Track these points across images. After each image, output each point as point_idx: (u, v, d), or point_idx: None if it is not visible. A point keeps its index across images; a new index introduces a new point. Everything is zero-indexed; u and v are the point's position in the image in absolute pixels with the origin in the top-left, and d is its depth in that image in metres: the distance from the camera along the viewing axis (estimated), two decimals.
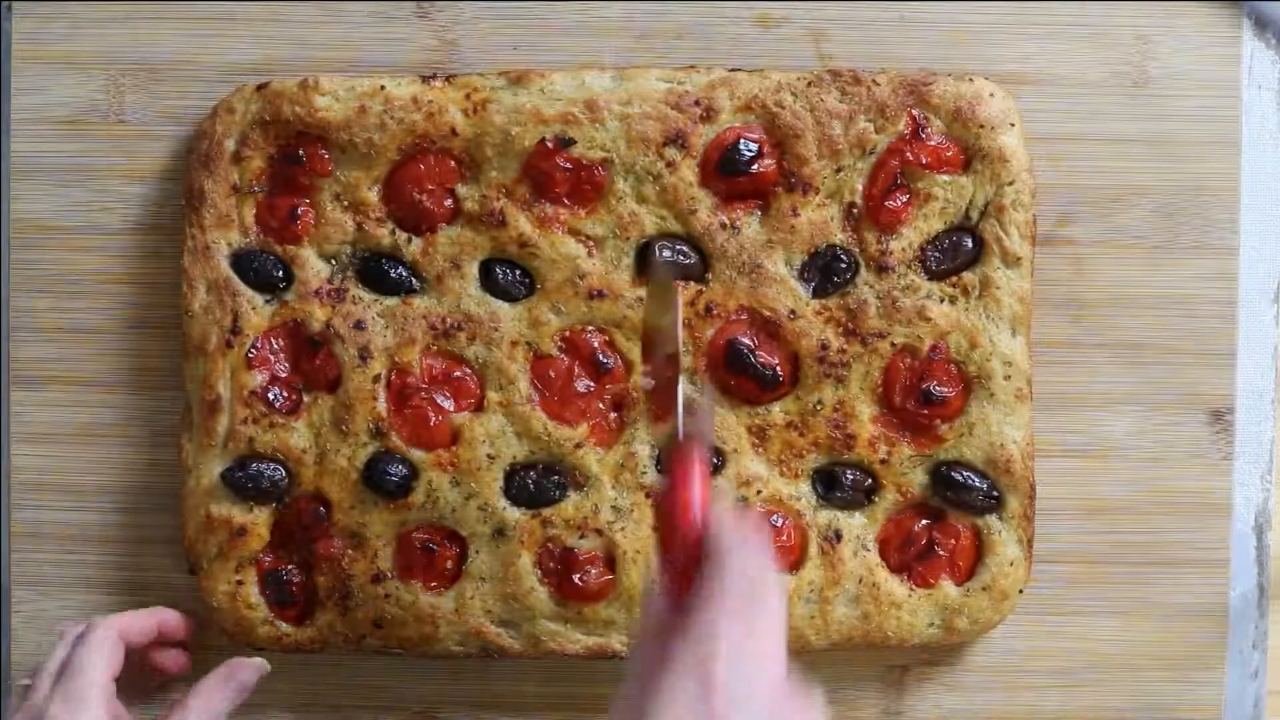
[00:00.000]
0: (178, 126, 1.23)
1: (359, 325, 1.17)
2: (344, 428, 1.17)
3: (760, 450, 1.18)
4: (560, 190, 1.17)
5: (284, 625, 1.19)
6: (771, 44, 1.22)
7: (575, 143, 1.16)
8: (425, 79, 1.18)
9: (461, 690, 1.24)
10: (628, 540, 1.17)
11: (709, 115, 1.17)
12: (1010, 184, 1.16)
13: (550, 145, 1.16)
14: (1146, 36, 1.22)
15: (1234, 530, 1.23)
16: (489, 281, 1.18)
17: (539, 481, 1.17)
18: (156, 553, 1.24)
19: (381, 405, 1.17)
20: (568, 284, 1.17)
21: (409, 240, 1.18)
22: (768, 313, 1.17)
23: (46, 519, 1.24)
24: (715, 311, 1.17)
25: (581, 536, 1.17)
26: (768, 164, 1.17)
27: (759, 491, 1.17)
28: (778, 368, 1.17)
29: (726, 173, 1.16)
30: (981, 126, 1.16)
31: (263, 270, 1.18)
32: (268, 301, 1.19)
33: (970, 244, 1.17)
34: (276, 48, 1.22)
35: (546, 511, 1.17)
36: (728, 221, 1.17)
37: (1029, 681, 1.23)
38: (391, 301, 1.18)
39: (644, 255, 1.17)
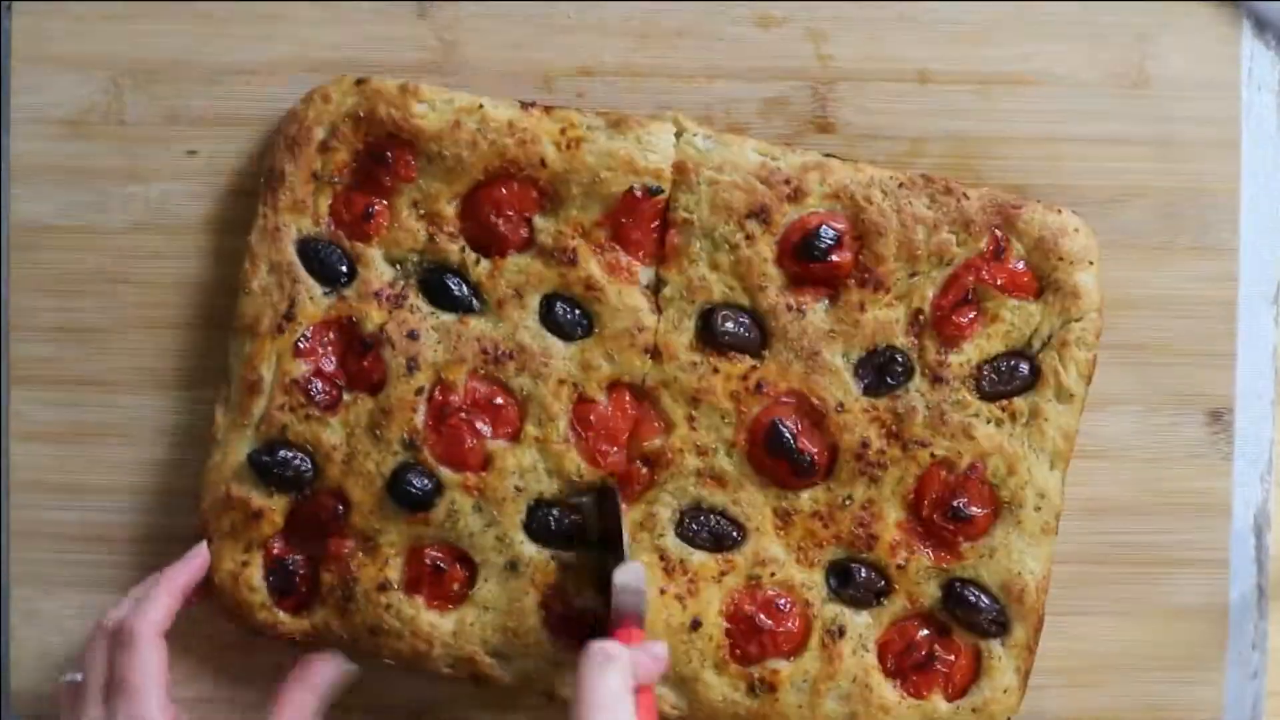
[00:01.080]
0: (178, 127, 1.23)
1: (412, 335, 1.17)
2: (378, 433, 1.17)
3: (782, 533, 1.18)
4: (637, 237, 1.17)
5: (281, 613, 1.19)
6: (771, 44, 1.22)
7: (664, 192, 1.16)
8: (524, 105, 1.18)
9: (457, 691, 1.24)
10: None
11: (796, 196, 1.17)
12: (1078, 320, 1.17)
13: (639, 194, 1.16)
14: (1146, 36, 1.22)
15: (1233, 530, 1.23)
16: (549, 316, 1.18)
17: (560, 520, 1.17)
18: (157, 552, 1.23)
19: (420, 418, 1.17)
20: (625, 334, 1.17)
21: (477, 261, 1.18)
22: (816, 401, 1.17)
23: (46, 519, 1.24)
24: (765, 390, 1.17)
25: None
26: (845, 255, 1.17)
27: (773, 574, 1.17)
28: (815, 456, 1.17)
29: (803, 257, 1.16)
30: (1061, 259, 1.16)
31: (328, 261, 1.18)
32: (326, 294, 1.18)
33: (1027, 371, 1.17)
34: (277, 48, 1.22)
35: (564, 556, 1.17)
36: (795, 304, 1.17)
37: (1029, 681, 1.23)
38: (448, 317, 1.18)
39: (707, 320, 1.17)
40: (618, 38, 1.22)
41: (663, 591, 1.17)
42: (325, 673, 1.16)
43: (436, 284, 1.18)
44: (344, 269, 1.18)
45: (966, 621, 1.18)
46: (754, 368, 1.17)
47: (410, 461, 1.17)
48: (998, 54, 1.22)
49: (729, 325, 1.17)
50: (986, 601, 1.17)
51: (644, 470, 1.17)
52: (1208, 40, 1.22)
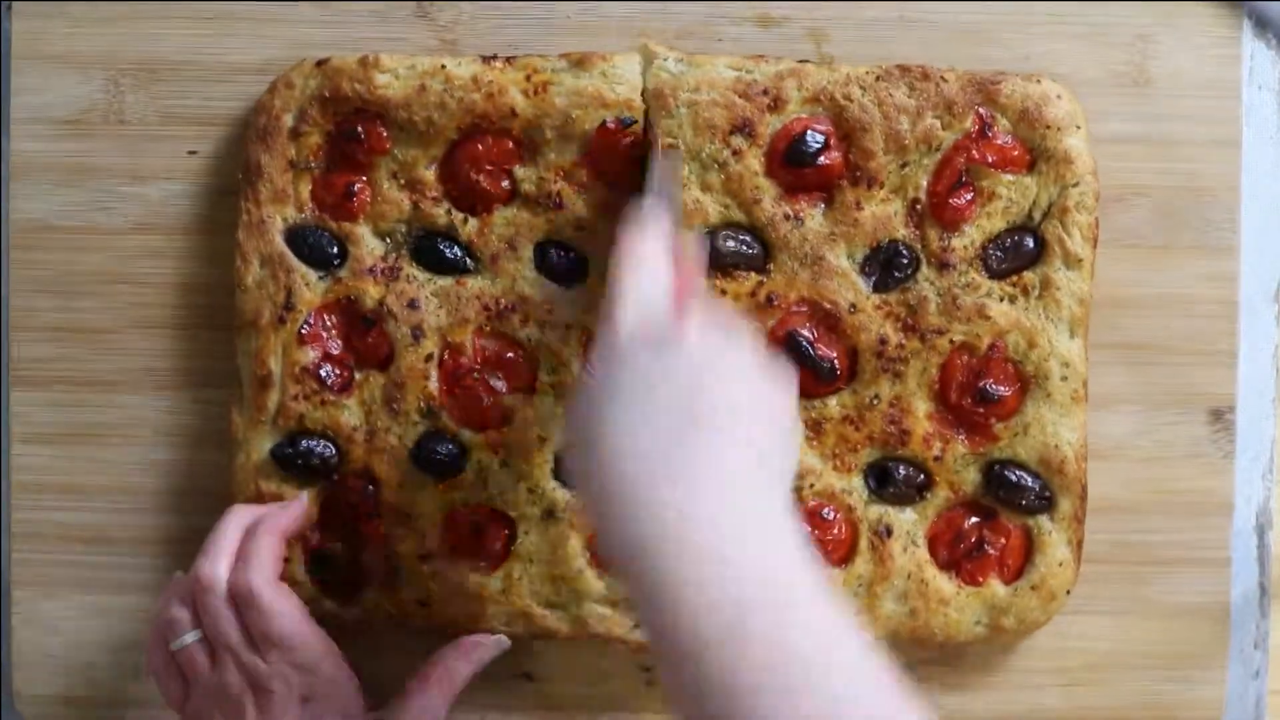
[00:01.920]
0: (178, 126, 1.23)
1: (413, 304, 1.17)
2: (395, 406, 1.17)
3: (815, 443, 1.18)
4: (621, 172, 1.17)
5: (329, 603, 1.19)
6: (771, 44, 1.22)
7: (637, 123, 1.16)
8: (486, 59, 1.18)
9: (461, 690, 1.24)
10: None
11: (776, 105, 1.16)
12: (1075, 185, 1.16)
13: (611, 126, 1.16)
14: (1147, 36, 1.22)
15: (1235, 530, 1.23)
16: (544, 264, 1.18)
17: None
18: (157, 553, 1.23)
19: (433, 385, 1.17)
20: None
21: (465, 220, 1.18)
22: (828, 305, 1.17)
23: (46, 519, 1.24)
24: (776, 303, 1.17)
25: None
26: (834, 156, 1.16)
27: (812, 485, 1.17)
28: (835, 361, 1.17)
29: (792, 163, 1.16)
30: (1048, 127, 1.16)
31: (318, 246, 1.18)
32: (321, 278, 1.18)
33: (1032, 244, 1.17)
34: (276, 48, 1.22)
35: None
36: (791, 213, 1.17)
37: (1029, 681, 1.23)
38: (445, 281, 1.18)
39: (710, 244, 1.17)
40: (618, 38, 1.22)
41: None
42: (487, 649, 1.17)
43: (428, 250, 1.18)
44: (334, 251, 1.18)
45: (1011, 502, 1.18)
46: (761, 283, 1.17)
47: (431, 430, 1.17)
48: (998, 54, 1.21)
49: (730, 244, 1.17)
50: (1028, 479, 1.17)
51: None
52: (1208, 40, 1.22)
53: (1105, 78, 1.22)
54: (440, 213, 1.18)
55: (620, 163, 1.17)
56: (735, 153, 1.16)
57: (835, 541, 1.18)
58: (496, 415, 1.18)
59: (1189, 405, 1.22)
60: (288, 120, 1.18)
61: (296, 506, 1.16)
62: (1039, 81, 1.18)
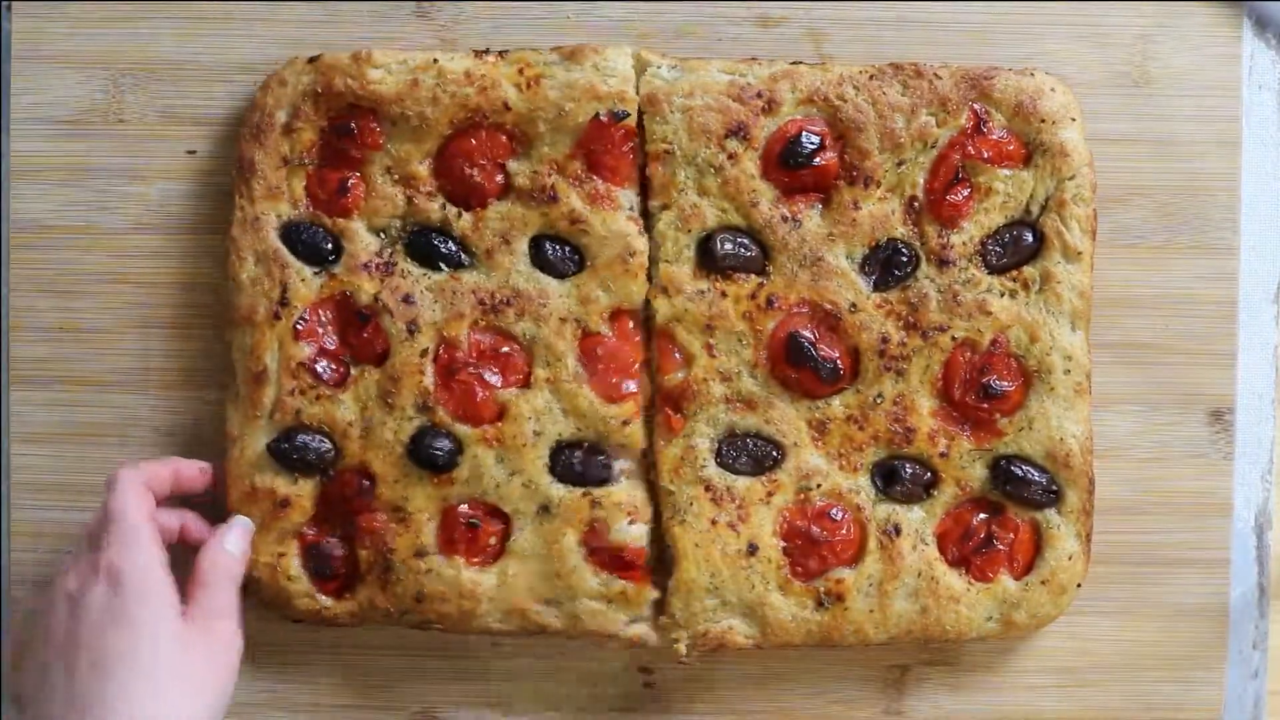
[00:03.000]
0: (177, 126, 1.23)
1: (407, 299, 1.18)
2: (390, 401, 1.17)
3: (819, 444, 1.18)
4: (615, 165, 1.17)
5: (324, 598, 1.19)
6: (771, 44, 1.22)
7: (629, 115, 1.16)
8: (478, 53, 1.18)
9: (461, 690, 1.24)
10: (687, 534, 1.17)
11: (770, 108, 1.17)
12: (1071, 178, 1.16)
13: (604, 119, 1.16)
14: (1147, 36, 1.22)
15: (1234, 530, 1.23)
16: (539, 257, 1.18)
17: (585, 460, 1.17)
18: None
19: (429, 380, 1.17)
20: (617, 261, 1.17)
21: (459, 215, 1.18)
22: (828, 305, 1.17)
23: (46, 519, 1.24)
24: (776, 304, 1.17)
25: (631, 523, 1.17)
26: (829, 157, 1.17)
27: (819, 485, 1.17)
28: (838, 361, 1.17)
29: (788, 166, 1.16)
30: (1043, 121, 1.17)
31: (312, 242, 1.18)
32: (316, 274, 1.19)
33: (1031, 238, 1.17)
34: (276, 48, 1.22)
35: (596, 492, 1.17)
36: (789, 215, 1.17)
37: (1029, 682, 1.23)
38: (440, 276, 1.18)
39: (706, 247, 1.17)
40: (619, 38, 1.22)
41: (714, 522, 1.16)
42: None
43: (423, 245, 1.18)
44: (329, 246, 1.18)
45: (1018, 497, 1.18)
46: (761, 285, 1.17)
47: (427, 424, 1.17)
48: (998, 54, 1.21)
49: (728, 247, 1.17)
50: (1035, 473, 1.17)
51: (676, 416, 1.17)
52: (1208, 40, 1.22)
53: (1105, 78, 1.22)
54: (434, 207, 1.18)
55: (614, 155, 1.17)
56: (731, 156, 1.16)
57: (845, 541, 1.18)
58: (492, 410, 1.18)
59: (1189, 405, 1.23)
60: (281, 117, 1.18)
61: (162, 466, 1.15)
62: (1032, 75, 1.18)
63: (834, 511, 1.18)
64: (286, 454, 1.17)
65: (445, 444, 1.17)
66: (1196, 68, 1.22)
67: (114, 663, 1.03)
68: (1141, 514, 1.23)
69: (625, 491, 1.17)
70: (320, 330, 1.19)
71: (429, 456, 1.17)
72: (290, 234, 1.18)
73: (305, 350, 1.18)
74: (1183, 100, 1.22)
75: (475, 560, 1.18)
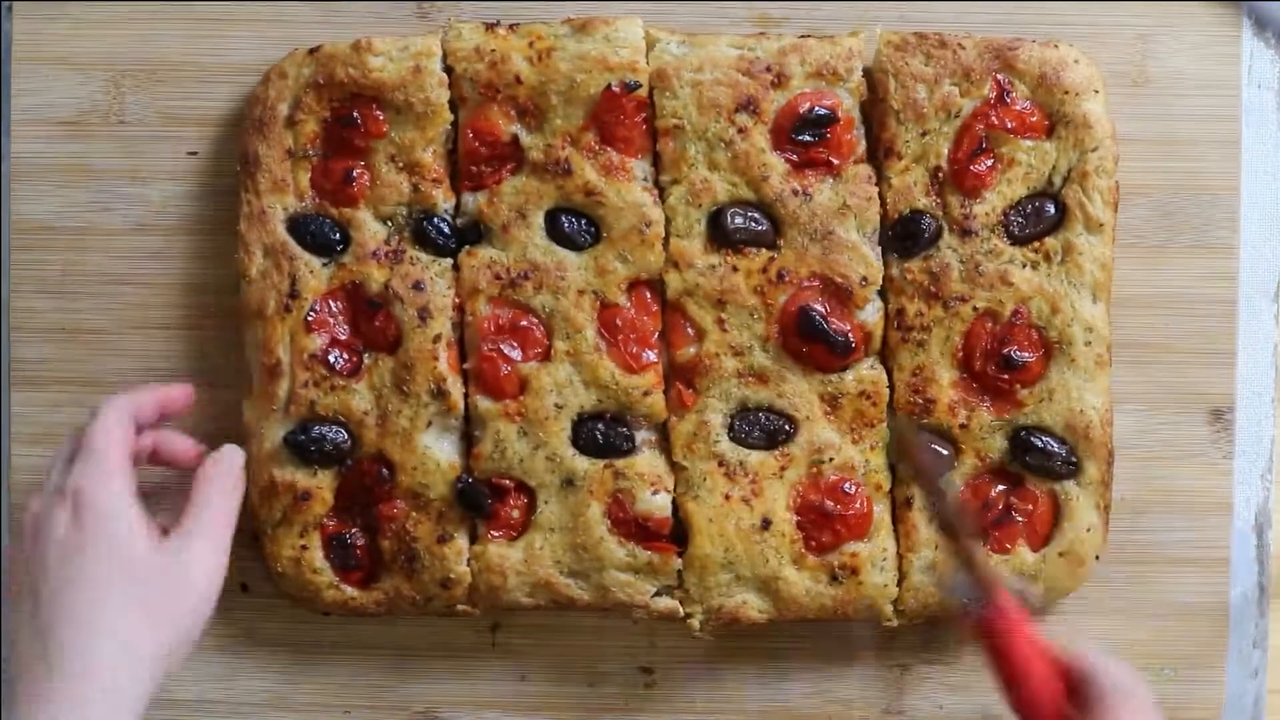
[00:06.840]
0: (178, 126, 1.23)
1: (418, 286, 1.18)
2: (405, 389, 1.17)
3: (832, 418, 1.18)
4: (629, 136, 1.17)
5: (349, 589, 1.19)
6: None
7: (641, 86, 1.16)
8: (489, 26, 1.18)
9: (462, 690, 1.24)
10: (701, 509, 1.17)
11: (780, 81, 1.17)
12: (1094, 150, 1.17)
13: (617, 90, 1.16)
14: (1146, 36, 1.22)
15: (1234, 529, 1.23)
16: (555, 230, 1.18)
17: (607, 432, 1.17)
18: None
19: (443, 365, 1.17)
20: (634, 231, 1.17)
21: (473, 196, 1.18)
22: (839, 280, 1.17)
23: None
24: (787, 278, 1.17)
25: (655, 493, 1.17)
26: (840, 130, 1.17)
27: (831, 459, 1.17)
28: (850, 334, 1.17)
29: (798, 139, 1.17)
30: (1066, 92, 1.17)
31: (320, 233, 1.18)
32: (325, 265, 1.19)
33: (1053, 209, 1.17)
34: (276, 48, 1.22)
35: (619, 463, 1.17)
36: (799, 188, 1.17)
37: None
38: (447, 262, 1.18)
39: (716, 221, 1.17)
40: None
41: (727, 497, 1.17)
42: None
43: (430, 231, 1.18)
44: (336, 237, 1.18)
45: (1038, 468, 1.18)
46: (772, 259, 1.17)
47: (442, 409, 1.17)
48: None
49: (739, 221, 1.17)
50: (1054, 444, 1.17)
51: (689, 390, 1.17)
52: (1208, 39, 1.22)
53: (1106, 77, 1.21)
54: (440, 193, 1.18)
55: (627, 126, 1.17)
56: (741, 130, 1.17)
57: (858, 516, 1.18)
58: (513, 384, 1.18)
59: (1188, 405, 1.23)
60: (283, 109, 1.18)
61: (148, 393, 1.13)
62: (1056, 46, 1.18)
63: (847, 485, 1.18)
64: (304, 446, 1.17)
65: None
66: (1196, 68, 1.22)
67: (74, 590, 1.02)
68: (1141, 513, 1.23)
69: (648, 462, 1.17)
70: (331, 320, 1.19)
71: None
72: (297, 226, 1.18)
73: (317, 341, 1.18)
74: (1183, 100, 1.22)
75: (500, 535, 1.18)
